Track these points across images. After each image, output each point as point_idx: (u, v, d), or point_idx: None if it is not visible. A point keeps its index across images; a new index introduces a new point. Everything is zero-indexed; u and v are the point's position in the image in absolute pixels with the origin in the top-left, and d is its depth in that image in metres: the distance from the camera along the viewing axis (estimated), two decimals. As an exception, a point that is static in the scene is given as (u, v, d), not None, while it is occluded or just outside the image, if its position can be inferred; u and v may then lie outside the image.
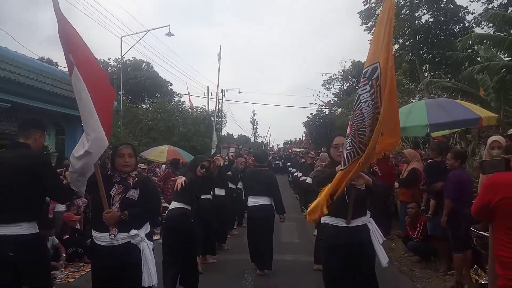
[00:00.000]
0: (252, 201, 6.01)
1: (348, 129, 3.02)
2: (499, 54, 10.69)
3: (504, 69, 9.39)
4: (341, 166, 3.01)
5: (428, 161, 5.95)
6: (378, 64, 2.85)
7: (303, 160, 14.02)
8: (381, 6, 23.17)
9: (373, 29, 22.63)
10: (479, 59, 11.67)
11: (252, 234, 6.04)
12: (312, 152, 14.90)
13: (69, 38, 3.08)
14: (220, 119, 25.48)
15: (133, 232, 3.14)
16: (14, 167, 3.08)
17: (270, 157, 33.20)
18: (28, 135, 3.32)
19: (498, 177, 2.39)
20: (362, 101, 2.89)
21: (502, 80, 9.40)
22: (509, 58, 10.30)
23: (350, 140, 2.97)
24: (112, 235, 3.08)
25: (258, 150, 15.60)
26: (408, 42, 22.02)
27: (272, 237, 6.04)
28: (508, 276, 2.25)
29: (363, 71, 2.95)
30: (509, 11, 15.08)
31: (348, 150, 2.97)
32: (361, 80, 2.95)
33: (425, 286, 5.25)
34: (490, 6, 19.09)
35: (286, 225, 9.34)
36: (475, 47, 12.13)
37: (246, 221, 6.74)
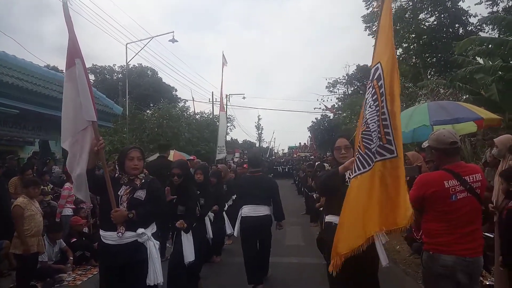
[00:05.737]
0: (249, 211, 5.26)
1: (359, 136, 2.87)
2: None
3: (501, 71, 9.34)
4: (352, 173, 2.85)
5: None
6: (379, 65, 2.81)
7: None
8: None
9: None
10: (479, 59, 11.61)
11: (249, 247, 5.34)
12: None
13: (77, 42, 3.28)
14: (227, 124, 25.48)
15: (140, 230, 3.22)
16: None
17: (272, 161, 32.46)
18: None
19: (427, 177, 3.04)
20: (368, 105, 2.81)
21: (510, 81, 9.35)
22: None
23: (361, 143, 2.82)
24: (120, 233, 3.16)
25: (250, 153, 12.59)
26: (412, 46, 22.00)
27: (270, 250, 5.70)
28: (434, 242, 2.87)
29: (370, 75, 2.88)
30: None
31: (356, 155, 2.83)
32: (368, 84, 2.89)
33: (430, 287, 5.25)
34: (495, 9, 19.05)
35: (291, 228, 9.38)
36: (470, 52, 12.04)
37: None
